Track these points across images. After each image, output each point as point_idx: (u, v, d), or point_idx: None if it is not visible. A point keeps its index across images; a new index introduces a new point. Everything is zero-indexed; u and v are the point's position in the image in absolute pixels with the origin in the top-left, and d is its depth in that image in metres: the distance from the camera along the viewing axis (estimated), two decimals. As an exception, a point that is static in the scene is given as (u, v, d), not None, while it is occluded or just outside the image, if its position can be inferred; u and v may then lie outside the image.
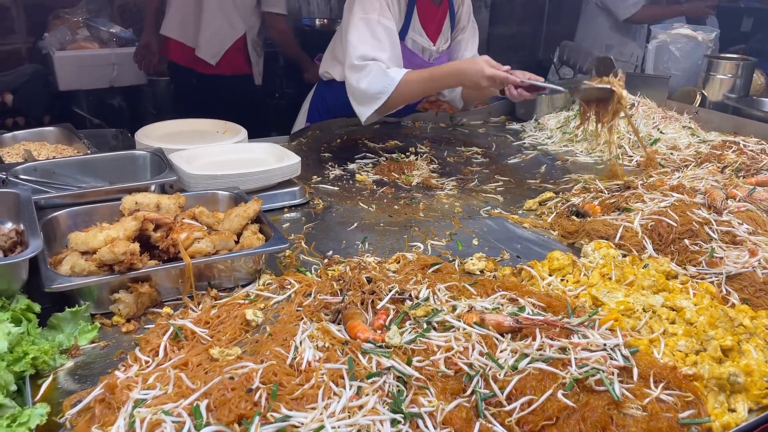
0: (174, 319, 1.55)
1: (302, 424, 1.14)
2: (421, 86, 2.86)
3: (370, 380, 1.26)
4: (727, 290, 1.73)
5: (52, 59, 4.60)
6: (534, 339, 1.42)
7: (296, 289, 1.71)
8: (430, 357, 1.37)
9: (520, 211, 2.42)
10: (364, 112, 2.87)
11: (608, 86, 2.41)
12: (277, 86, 5.53)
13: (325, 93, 3.34)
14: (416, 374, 1.30)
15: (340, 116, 3.27)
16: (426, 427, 1.18)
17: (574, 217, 2.25)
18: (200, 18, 4.19)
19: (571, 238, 2.14)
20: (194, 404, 1.18)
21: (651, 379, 1.34)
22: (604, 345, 1.40)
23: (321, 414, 1.16)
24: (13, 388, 1.28)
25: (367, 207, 2.41)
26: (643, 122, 3.21)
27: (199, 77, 4.39)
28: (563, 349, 1.39)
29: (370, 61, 2.79)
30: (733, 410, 1.35)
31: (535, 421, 1.22)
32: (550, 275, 1.81)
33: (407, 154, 2.98)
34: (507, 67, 2.65)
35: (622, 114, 2.44)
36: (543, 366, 1.33)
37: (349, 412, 1.18)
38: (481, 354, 1.37)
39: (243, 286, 1.76)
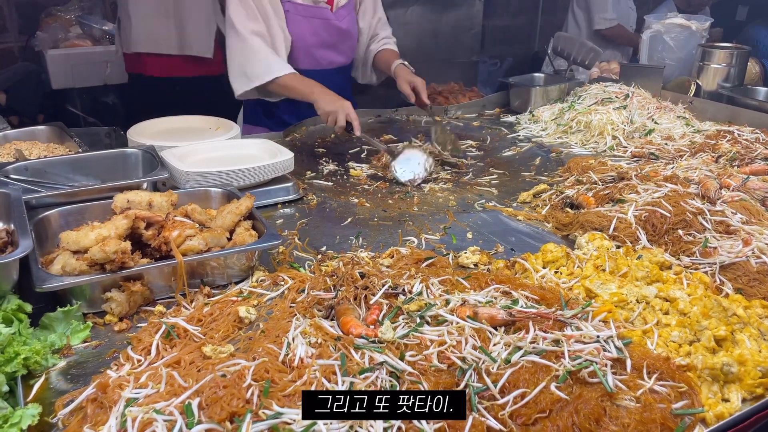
0: (167, 318, 1.54)
1: (294, 420, 1.13)
2: (286, 92, 2.88)
3: (362, 375, 1.26)
4: (720, 280, 1.73)
5: (45, 58, 4.56)
6: (527, 332, 1.42)
7: (289, 285, 1.71)
8: (423, 351, 1.37)
9: (515, 204, 2.41)
10: (239, 88, 2.87)
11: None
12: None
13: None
14: (409, 369, 1.30)
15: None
16: (418, 421, 1.18)
17: (568, 209, 2.25)
18: (181, 18, 3.92)
19: (565, 230, 2.13)
20: (186, 402, 1.17)
21: (644, 370, 1.34)
22: (597, 337, 1.40)
23: (313, 410, 1.15)
24: (5, 388, 1.28)
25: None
26: (637, 113, 3.20)
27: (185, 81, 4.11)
28: (556, 342, 1.39)
29: (256, 37, 2.78)
30: (726, 400, 1.35)
31: (528, 414, 1.22)
32: (544, 267, 1.81)
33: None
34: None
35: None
36: (536, 359, 1.33)
37: (341, 408, 1.17)
38: (474, 348, 1.37)
39: (236, 283, 1.75)
